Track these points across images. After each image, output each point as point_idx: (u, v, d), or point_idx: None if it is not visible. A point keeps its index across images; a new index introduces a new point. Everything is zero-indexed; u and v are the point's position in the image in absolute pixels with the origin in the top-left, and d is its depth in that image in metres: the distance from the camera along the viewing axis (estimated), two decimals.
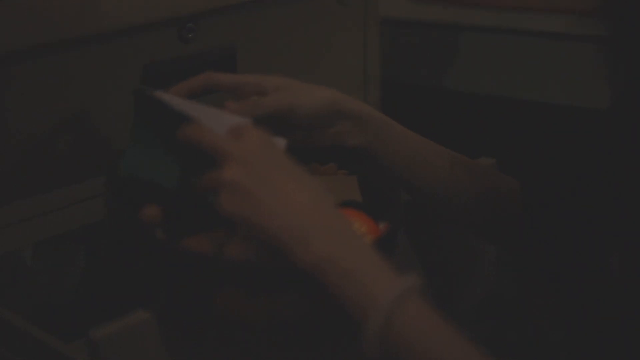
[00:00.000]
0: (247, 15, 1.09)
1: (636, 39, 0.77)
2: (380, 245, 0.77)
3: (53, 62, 0.91)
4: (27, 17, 0.87)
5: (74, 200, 0.95)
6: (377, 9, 1.27)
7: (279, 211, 0.72)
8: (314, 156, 0.92)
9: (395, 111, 0.97)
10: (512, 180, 0.96)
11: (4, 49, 0.86)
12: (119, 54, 0.97)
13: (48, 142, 0.93)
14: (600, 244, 0.91)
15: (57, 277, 1.02)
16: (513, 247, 0.99)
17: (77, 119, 0.95)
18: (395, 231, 0.84)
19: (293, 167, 0.75)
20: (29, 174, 0.92)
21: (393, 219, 0.86)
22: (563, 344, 1.09)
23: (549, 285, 1.11)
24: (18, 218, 0.92)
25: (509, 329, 1.17)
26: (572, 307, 1.06)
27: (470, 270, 1.12)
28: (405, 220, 0.98)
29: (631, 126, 0.82)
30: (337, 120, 0.90)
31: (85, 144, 0.96)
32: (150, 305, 0.74)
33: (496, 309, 1.17)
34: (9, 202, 0.91)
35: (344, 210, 0.86)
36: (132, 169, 0.82)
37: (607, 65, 0.80)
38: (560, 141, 1.53)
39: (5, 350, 0.83)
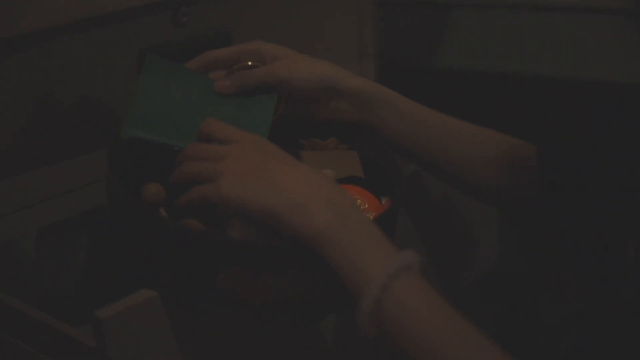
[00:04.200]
0: None
1: None
2: (381, 221, 0.77)
3: (49, 48, 0.91)
4: (21, 4, 0.86)
5: (75, 186, 0.95)
6: None
7: (277, 187, 0.72)
8: (315, 130, 0.92)
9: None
10: (529, 145, 0.92)
11: None
12: (114, 38, 0.96)
13: (46, 128, 0.93)
14: (615, 227, 0.88)
15: (61, 264, 1.02)
16: (528, 216, 0.96)
17: (74, 103, 0.95)
18: (396, 207, 0.84)
19: (288, 156, 0.76)
20: (29, 161, 0.92)
21: (395, 195, 0.85)
22: (570, 324, 1.09)
23: (559, 260, 1.10)
24: (19, 205, 0.92)
25: (514, 308, 1.17)
26: (584, 283, 1.05)
27: (472, 246, 1.12)
28: (407, 196, 0.97)
29: None
30: (332, 97, 0.89)
31: (82, 128, 0.96)
32: (154, 285, 0.74)
33: (501, 287, 1.16)
34: (9, 189, 0.91)
35: (346, 187, 0.86)
36: (135, 130, 0.81)
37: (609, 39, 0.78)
38: (572, 116, 1.52)
39: (12, 337, 0.83)
